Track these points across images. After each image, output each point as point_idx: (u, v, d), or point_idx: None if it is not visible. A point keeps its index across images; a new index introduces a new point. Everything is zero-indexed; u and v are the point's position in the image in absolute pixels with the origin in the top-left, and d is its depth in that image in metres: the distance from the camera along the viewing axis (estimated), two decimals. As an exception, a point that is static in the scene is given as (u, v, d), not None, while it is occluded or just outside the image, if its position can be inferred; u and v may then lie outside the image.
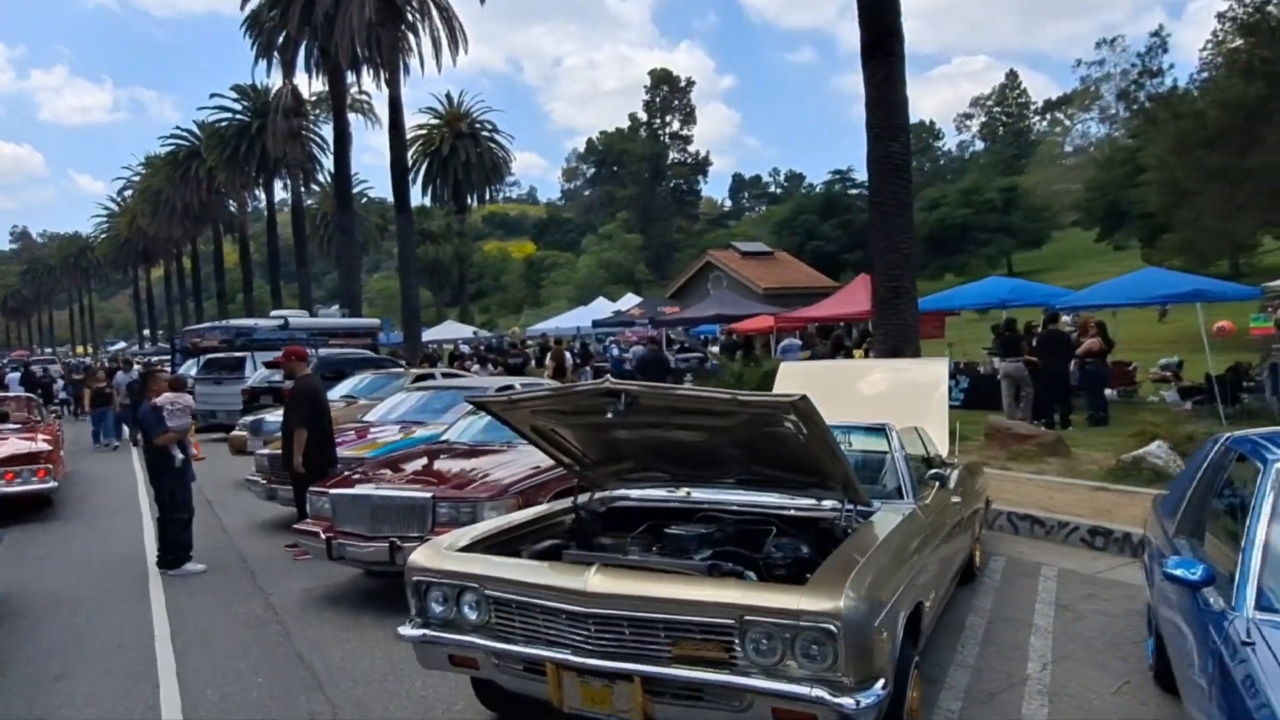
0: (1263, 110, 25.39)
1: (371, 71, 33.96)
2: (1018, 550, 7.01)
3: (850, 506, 3.89)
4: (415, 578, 3.57)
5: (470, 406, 9.43)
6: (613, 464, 4.30)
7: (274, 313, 23.52)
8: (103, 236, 75.37)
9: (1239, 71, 26.29)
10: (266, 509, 9.24)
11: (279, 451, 8.48)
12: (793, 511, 4.16)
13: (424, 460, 6.66)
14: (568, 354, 21.23)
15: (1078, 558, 6.74)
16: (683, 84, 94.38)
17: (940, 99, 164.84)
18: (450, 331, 35.27)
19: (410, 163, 55.65)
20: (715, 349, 21.32)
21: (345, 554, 5.69)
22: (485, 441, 7.17)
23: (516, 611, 3.33)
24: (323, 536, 5.79)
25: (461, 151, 55.02)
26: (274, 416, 11.54)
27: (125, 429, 16.94)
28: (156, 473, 7.04)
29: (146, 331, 77.68)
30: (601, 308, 35.31)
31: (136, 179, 60.92)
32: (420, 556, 3.64)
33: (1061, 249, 64.87)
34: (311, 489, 6.26)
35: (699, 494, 4.42)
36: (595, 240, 74.18)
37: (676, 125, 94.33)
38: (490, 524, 4.22)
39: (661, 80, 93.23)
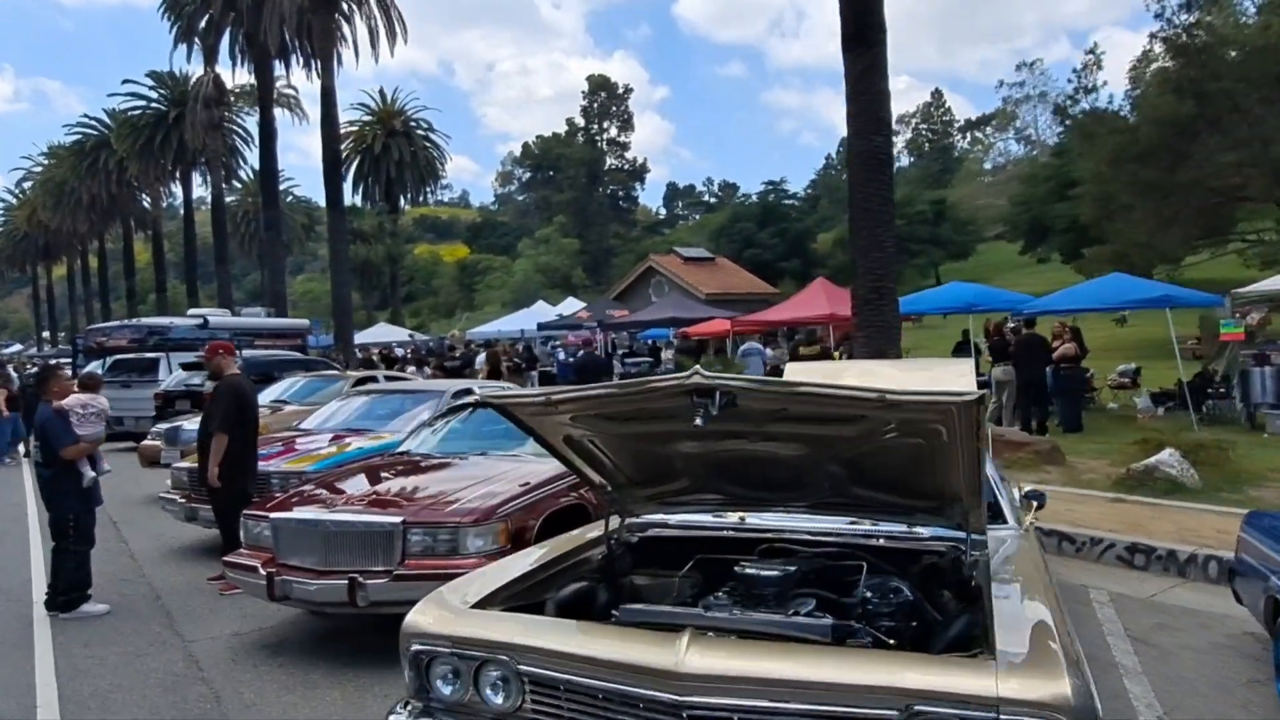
0: (1190, 129, 26.14)
1: (301, 61, 32.30)
2: (1054, 570, 6.30)
3: (971, 537, 3.04)
4: (416, 646, 2.55)
5: (430, 413, 8.42)
6: (658, 484, 3.36)
7: (192, 311, 21.70)
8: (-2, 231, 70.33)
9: (1170, 90, 26.91)
10: (183, 532, 7.97)
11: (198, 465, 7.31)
12: (881, 541, 3.28)
13: (383, 476, 5.58)
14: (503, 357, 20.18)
15: (1122, 579, 6.08)
16: (620, 90, 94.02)
17: None
18: (384, 334, 33.60)
19: (341, 159, 53.81)
20: (670, 353, 20.49)
21: (291, 593, 4.59)
22: (454, 452, 6.13)
23: (565, 697, 2.36)
24: (262, 571, 4.68)
25: (395, 149, 53.17)
26: (192, 424, 10.17)
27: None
28: (57, 494, 5.74)
29: (46, 334, 72.76)
30: (543, 311, 34.18)
31: (38, 170, 56.96)
32: (424, 617, 2.62)
33: (986, 261, 66.47)
34: (246, 513, 5.13)
35: (756, 519, 3.52)
36: (531, 244, 73.04)
37: (614, 131, 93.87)
38: (504, 566, 3.21)
39: (599, 86, 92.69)
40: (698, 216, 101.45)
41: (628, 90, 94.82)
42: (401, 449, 6.49)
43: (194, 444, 10.12)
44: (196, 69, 36.57)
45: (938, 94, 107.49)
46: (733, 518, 3.57)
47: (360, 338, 31.24)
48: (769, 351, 17.85)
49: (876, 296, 11.07)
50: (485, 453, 5.96)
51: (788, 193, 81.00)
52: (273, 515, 4.84)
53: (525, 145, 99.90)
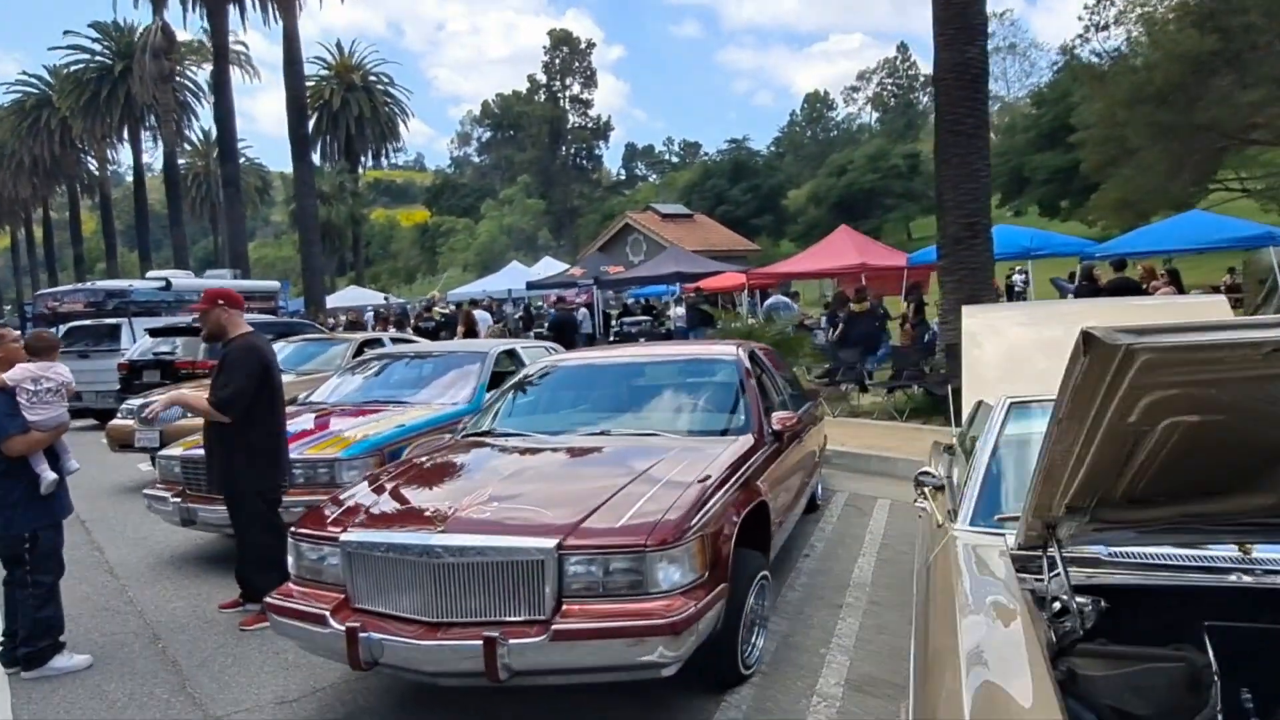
0: (1209, 66, 25.20)
1: (256, 3, 29.70)
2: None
3: None
4: None
5: (475, 380, 6.84)
6: (1173, 504, 1.85)
7: (152, 273, 19.56)
8: (-69, 198, 65.71)
9: (1191, 23, 25.79)
10: (173, 535, 6.32)
11: (197, 451, 5.66)
12: None
13: (480, 471, 3.97)
14: (487, 315, 18.37)
15: None
16: (583, 46, 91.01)
17: (818, 75, 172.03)
18: (354, 298, 31.40)
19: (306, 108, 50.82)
20: (680, 310, 18.88)
21: (384, 656, 3.00)
22: (557, 432, 4.53)
23: None
24: (336, 626, 3.08)
25: (354, 105, 50.30)
26: (173, 398, 8.47)
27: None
28: (4, 505, 3.98)
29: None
30: (529, 270, 32.43)
31: (-27, 132, 52.99)
32: None
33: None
34: (299, 531, 3.50)
35: (1267, 552, 2.02)
36: (495, 205, 70.85)
37: (577, 88, 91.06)
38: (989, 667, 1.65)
39: (561, 41, 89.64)
40: (655, 178, 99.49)
41: (590, 45, 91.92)
42: (480, 428, 4.85)
43: (176, 422, 8.42)
44: (143, 18, 33.82)
45: (903, 47, 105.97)
46: (1219, 550, 2.05)
47: (330, 301, 29.17)
48: (796, 306, 16.40)
49: (970, 234, 9.64)
50: (605, 431, 4.38)
51: (752, 151, 79.49)
52: (346, 536, 3.22)
53: (485, 104, 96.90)
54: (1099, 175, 32.71)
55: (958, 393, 8.44)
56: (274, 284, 21.61)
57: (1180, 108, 25.79)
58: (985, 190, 9.69)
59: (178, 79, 38.48)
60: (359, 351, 10.19)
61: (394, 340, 10.91)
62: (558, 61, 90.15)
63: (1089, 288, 11.45)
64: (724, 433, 4.26)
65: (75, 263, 49.83)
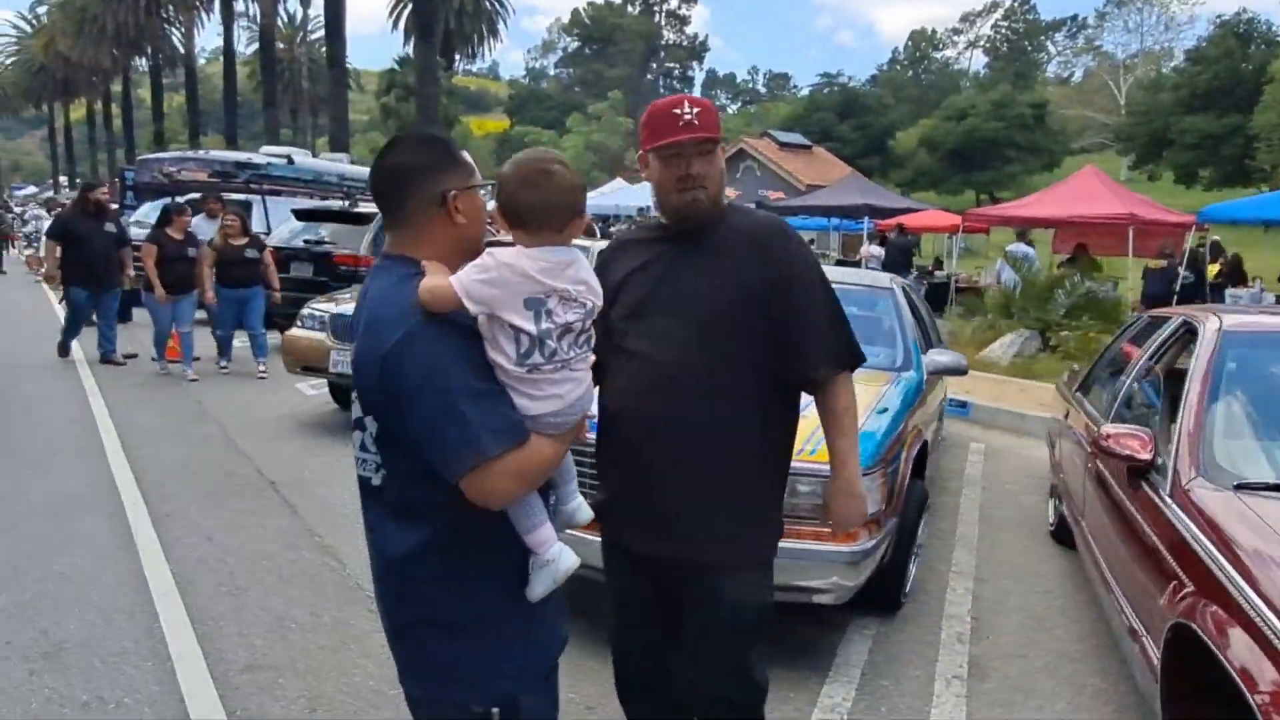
0: None
1: None
2: None
3: None
4: None
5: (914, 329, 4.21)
6: None
7: (266, 149, 17.15)
8: (10, 61, 64.09)
9: None
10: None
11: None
12: None
13: None
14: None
15: None
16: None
17: (905, 17, 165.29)
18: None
19: (393, 3, 47.72)
20: (875, 249, 15.95)
21: None
22: None
23: None
24: None
25: (455, -5, 46.94)
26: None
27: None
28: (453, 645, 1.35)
29: (64, 178, 67.65)
30: (634, 191, 29.63)
31: (57, -6, 50.68)
32: None
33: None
34: None
35: None
36: (582, 120, 67.37)
37: (674, 3, 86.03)
38: None
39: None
40: (735, 108, 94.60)
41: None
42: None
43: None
44: None
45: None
46: None
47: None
48: (1036, 258, 13.44)
49: None
50: None
51: (843, 86, 74.26)
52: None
53: (575, 12, 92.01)
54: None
55: None
56: (393, 176, 19.07)
57: None
58: None
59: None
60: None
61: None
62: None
63: None
64: None
65: (155, 139, 47.82)
